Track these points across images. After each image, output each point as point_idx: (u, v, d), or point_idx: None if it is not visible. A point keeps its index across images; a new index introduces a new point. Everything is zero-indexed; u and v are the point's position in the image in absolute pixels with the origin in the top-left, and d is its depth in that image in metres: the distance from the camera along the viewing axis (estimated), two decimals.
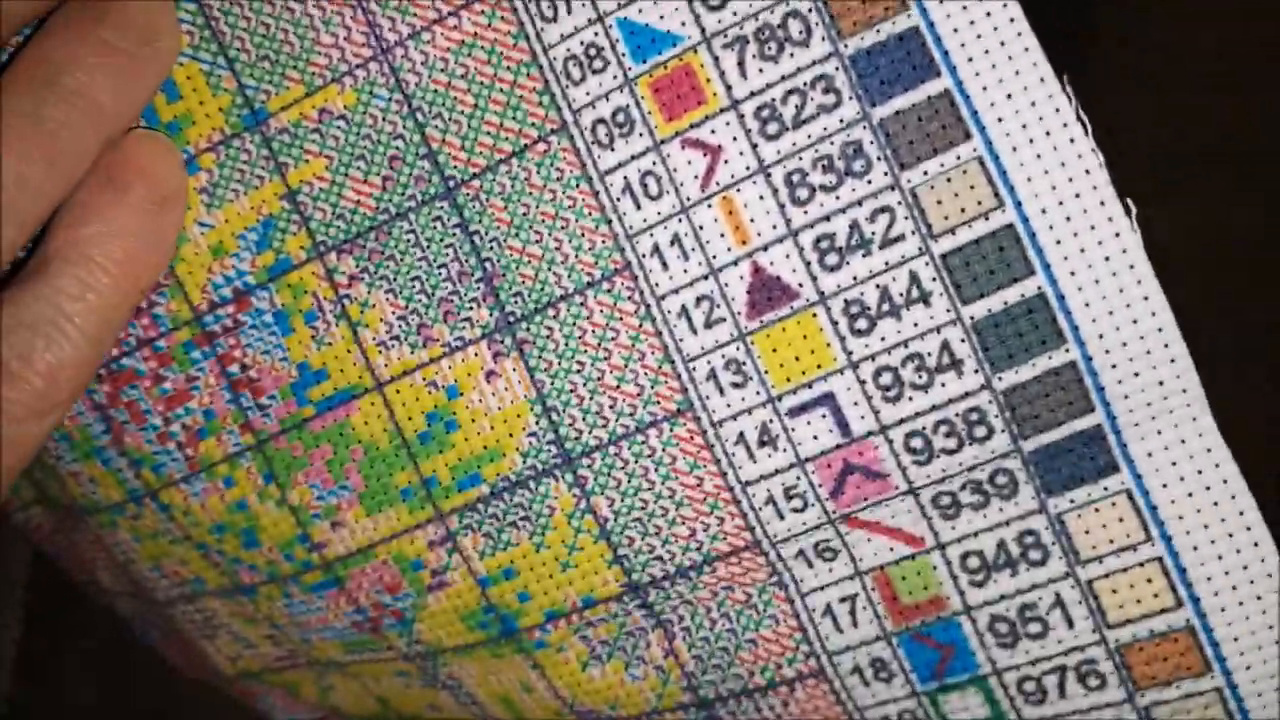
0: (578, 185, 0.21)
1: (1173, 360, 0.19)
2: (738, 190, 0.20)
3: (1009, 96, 0.18)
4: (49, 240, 0.20)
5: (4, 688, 0.39)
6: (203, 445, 0.23)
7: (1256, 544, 0.19)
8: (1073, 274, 0.19)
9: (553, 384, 0.21)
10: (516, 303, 0.21)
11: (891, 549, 0.21)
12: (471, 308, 0.21)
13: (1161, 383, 0.19)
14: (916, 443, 0.20)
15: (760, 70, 0.19)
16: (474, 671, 0.24)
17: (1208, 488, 0.19)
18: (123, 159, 0.21)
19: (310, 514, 0.23)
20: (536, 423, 0.22)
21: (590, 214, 0.21)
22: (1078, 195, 0.18)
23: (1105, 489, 0.19)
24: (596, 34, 0.20)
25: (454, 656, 0.24)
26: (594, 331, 0.21)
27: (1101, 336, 0.19)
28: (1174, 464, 0.19)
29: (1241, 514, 0.19)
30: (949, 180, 0.19)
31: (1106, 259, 0.19)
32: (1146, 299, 0.19)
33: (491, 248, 0.21)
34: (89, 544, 0.27)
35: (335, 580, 0.24)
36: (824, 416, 0.20)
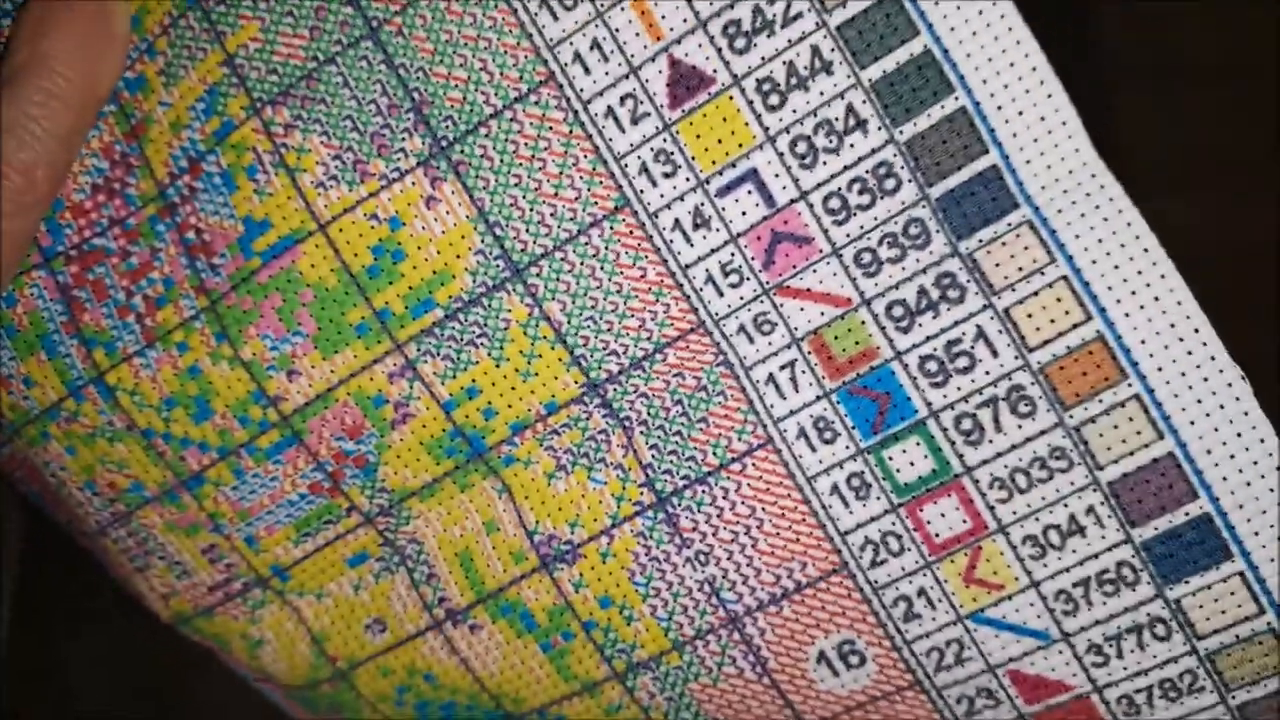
0: (496, 5, 0.22)
1: (1049, 96, 0.20)
2: None
3: None
4: (13, 55, 0.22)
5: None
6: (160, 314, 0.23)
7: (1146, 250, 0.20)
8: (953, 30, 0.20)
9: (492, 200, 0.22)
10: (448, 127, 0.22)
11: (822, 313, 0.22)
12: (404, 138, 0.22)
13: (1044, 118, 0.20)
14: (834, 203, 0.21)
15: None
16: (436, 523, 0.24)
17: (1097, 207, 0.20)
18: None
19: (264, 367, 0.23)
20: (481, 240, 0.22)
21: (510, 31, 0.22)
22: None
23: (1009, 224, 0.21)
24: None
25: (418, 503, 0.24)
26: (526, 144, 0.22)
27: (986, 82, 0.20)
28: (1065, 191, 0.21)
29: (1130, 225, 0.20)
30: None
31: (980, 12, 0.20)
32: (1027, 56, 0.20)
33: (418, 78, 0.22)
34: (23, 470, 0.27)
35: (294, 436, 0.24)
36: (749, 192, 0.21)
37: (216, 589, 0.26)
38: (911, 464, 0.22)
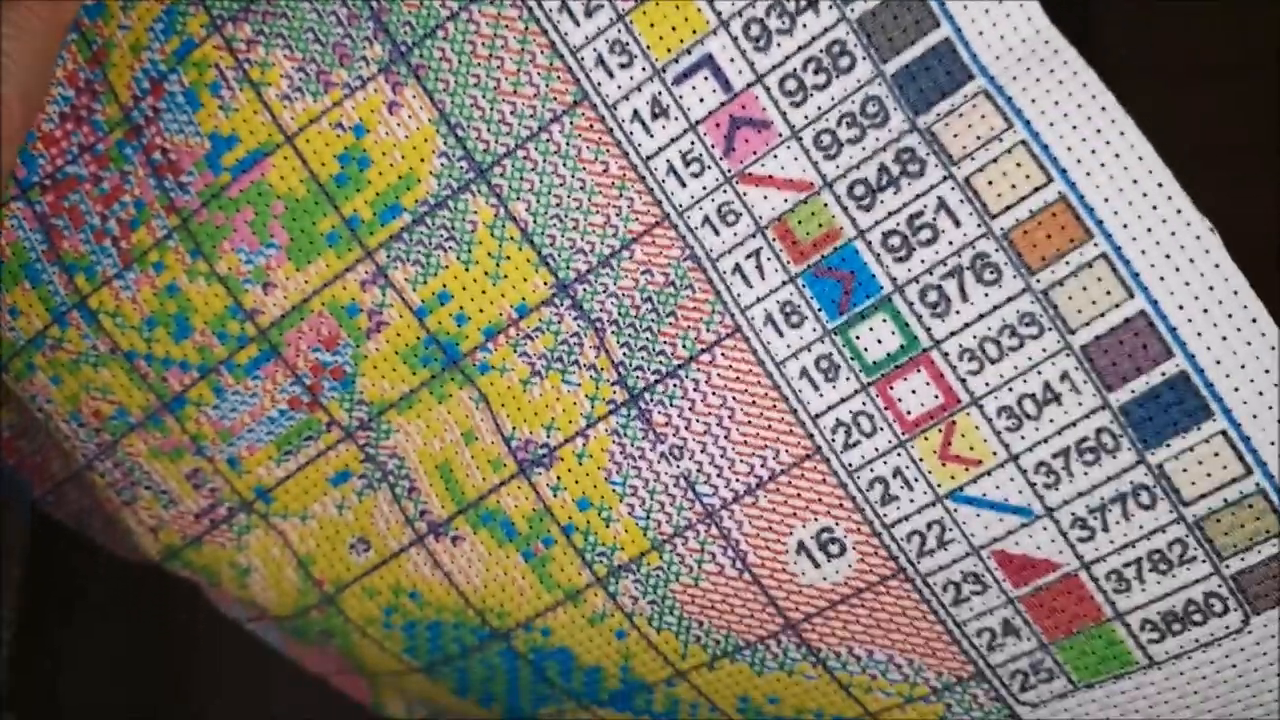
0: None
1: None
2: None
3: None
4: None
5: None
6: (135, 235, 0.24)
7: (1104, 108, 0.20)
8: None
9: (453, 102, 0.22)
10: (406, 32, 0.22)
11: (785, 199, 0.21)
12: (364, 46, 0.22)
13: (1002, 1, 0.20)
14: (790, 84, 0.21)
15: None
16: (416, 436, 0.24)
17: (1052, 71, 0.20)
18: None
19: (240, 280, 0.23)
20: (444, 142, 0.22)
21: None
22: None
23: (964, 95, 0.20)
24: None
25: (397, 415, 0.24)
26: (483, 43, 0.22)
27: None
28: (1019, 59, 0.20)
29: (1085, 85, 0.20)
30: None
31: None
32: None
33: None
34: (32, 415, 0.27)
35: (272, 350, 0.24)
36: (706, 78, 0.21)
37: (203, 516, 0.26)
38: (879, 341, 0.21)
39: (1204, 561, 0.21)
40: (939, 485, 0.22)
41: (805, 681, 0.24)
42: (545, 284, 0.23)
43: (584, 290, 0.23)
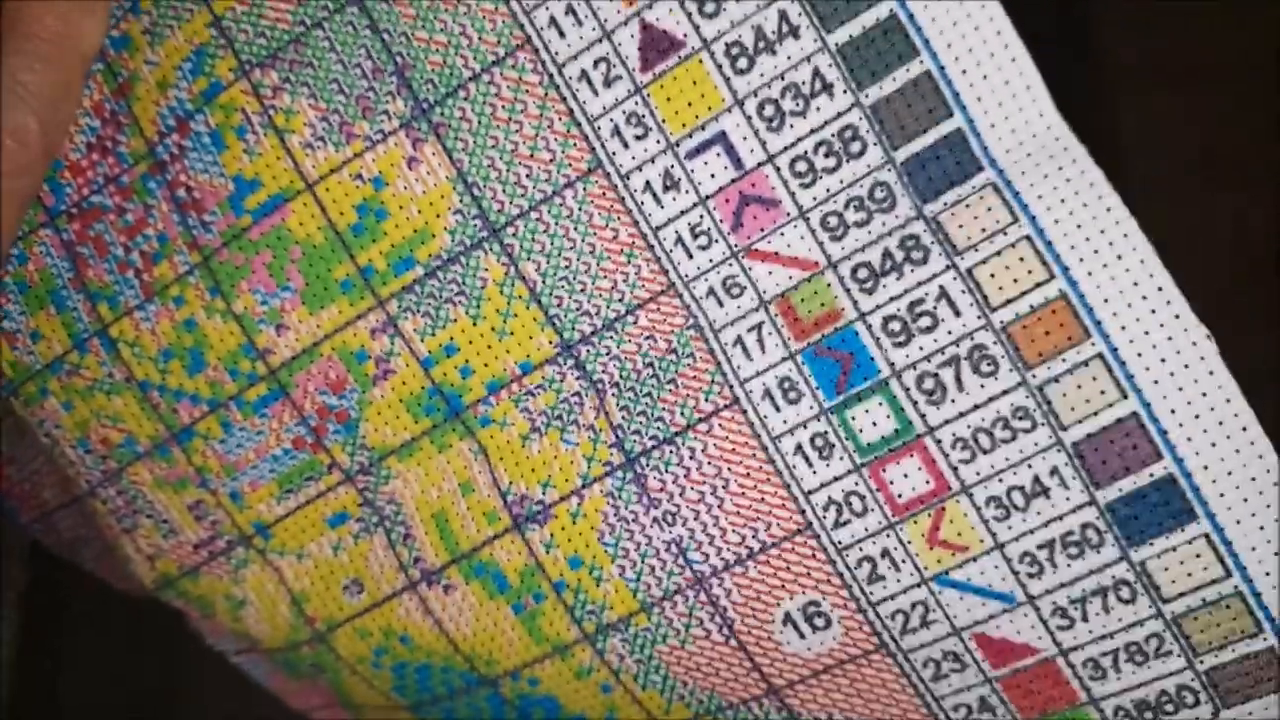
0: None
1: (1013, 60, 0.20)
2: None
3: None
4: None
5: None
6: (157, 269, 0.24)
7: (1110, 209, 0.20)
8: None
9: (471, 161, 0.23)
10: (429, 90, 0.22)
11: (790, 276, 0.22)
12: (388, 101, 0.23)
13: (1008, 81, 0.20)
14: (801, 166, 0.21)
15: None
16: (414, 484, 0.24)
17: (1060, 168, 0.20)
18: None
19: (255, 320, 0.24)
20: (460, 200, 0.23)
21: None
22: None
23: (973, 186, 0.21)
24: None
25: (397, 462, 0.24)
26: (504, 106, 0.22)
27: (950, 46, 0.20)
28: (1029, 154, 0.20)
29: (1092, 185, 0.20)
30: None
31: None
32: (991, 20, 0.20)
33: (401, 42, 0.22)
34: (25, 442, 0.27)
35: (280, 389, 0.24)
36: (718, 155, 0.22)
37: (201, 547, 0.26)
38: (874, 424, 0.22)
39: (1179, 656, 0.21)
40: (925, 568, 0.22)
41: None
42: (550, 343, 0.23)
43: (587, 352, 0.23)
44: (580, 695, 0.25)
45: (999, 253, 0.21)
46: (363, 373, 0.24)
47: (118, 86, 0.24)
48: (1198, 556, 0.20)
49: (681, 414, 0.23)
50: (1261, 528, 0.20)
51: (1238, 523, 0.20)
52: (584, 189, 0.22)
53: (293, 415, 0.24)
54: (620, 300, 0.23)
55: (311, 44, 0.23)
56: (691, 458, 0.23)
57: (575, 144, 0.22)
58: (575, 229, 0.23)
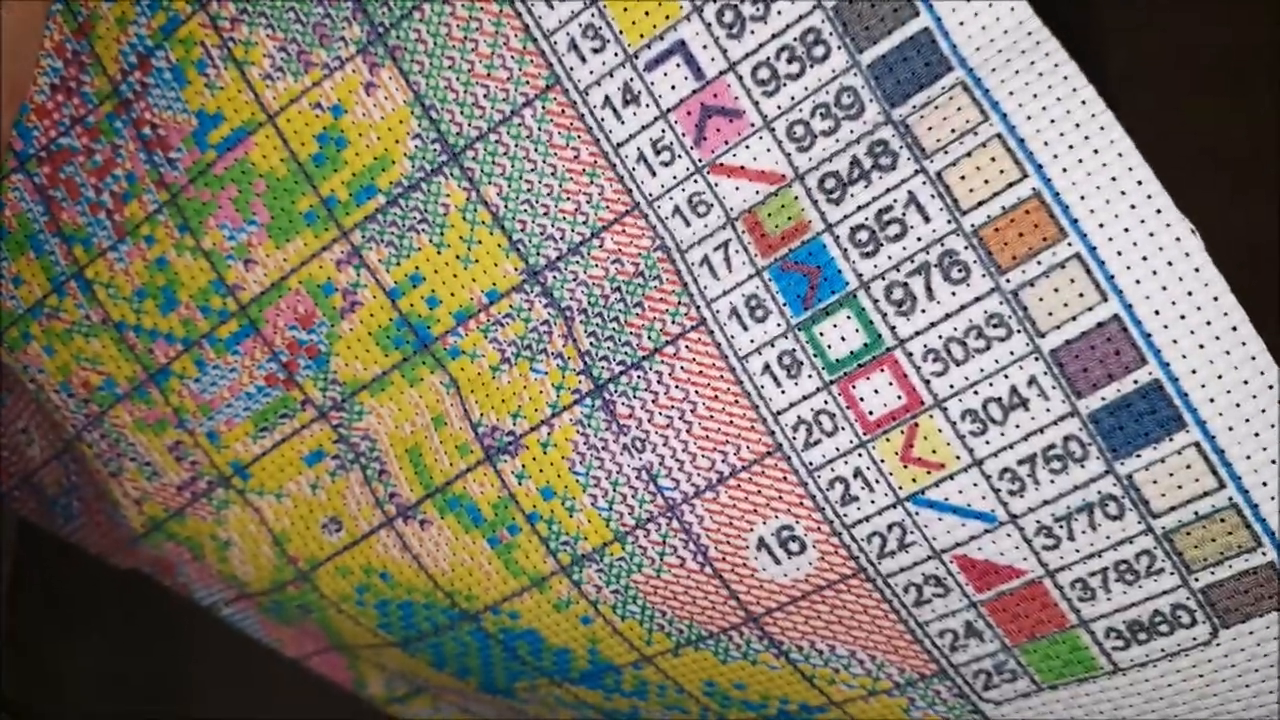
0: None
1: None
2: None
3: None
4: None
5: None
6: (128, 209, 0.23)
7: (1085, 102, 0.18)
8: None
9: (428, 84, 0.21)
10: (384, 13, 0.21)
11: (756, 191, 0.20)
12: (344, 27, 0.21)
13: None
14: (763, 73, 0.20)
15: None
16: (388, 419, 0.23)
17: (1033, 63, 0.18)
18: None
19: (224, 256, 0.23)
20: (419, 124, 0.21)
21: None
22: None
23: (942, 87, 0.19)
24: None
25: (369, 397, 0.23)
26: (459, 25, 0.21)
27: None
28: (1000, 50, 0.19)
29: (1067, 78, 0.18)
30: None
31: None
32: None
33: None
34: (18, 387, 0.26)
35: (251, 325, 0.23)
36: (678, 65, 0.20)
37: (184, 488, 0.25)
38: (842, 339, 0.20)
39: (1172, 574, 0.19)
40: (900, 488, 0.20)
41: (769, 671, 0.23)
42: (516, 270, 0.22)
43: (554, 278, 0.21)
44: (561, 628, 0.24)
45: (969, 153, 0.19)
46: (330, 306, 0.23)
47: (78, 26, 0.23)
48: (1188, 467, 0.18)
49: (649, 337, 0.21)
50: (1256, 434, 0.18)
51: (1230, 430, 0.18)
52: (542, 107, 0.21)
53: (264, 351, 0.23)
54: (584, 223, 0.21)
55: None
56: (659, 381, 0.21)
57: (532, 60, 0.21)
58: (535, 150, 0.21)
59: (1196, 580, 0.19)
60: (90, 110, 0.23)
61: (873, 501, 0.20)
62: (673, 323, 0.21)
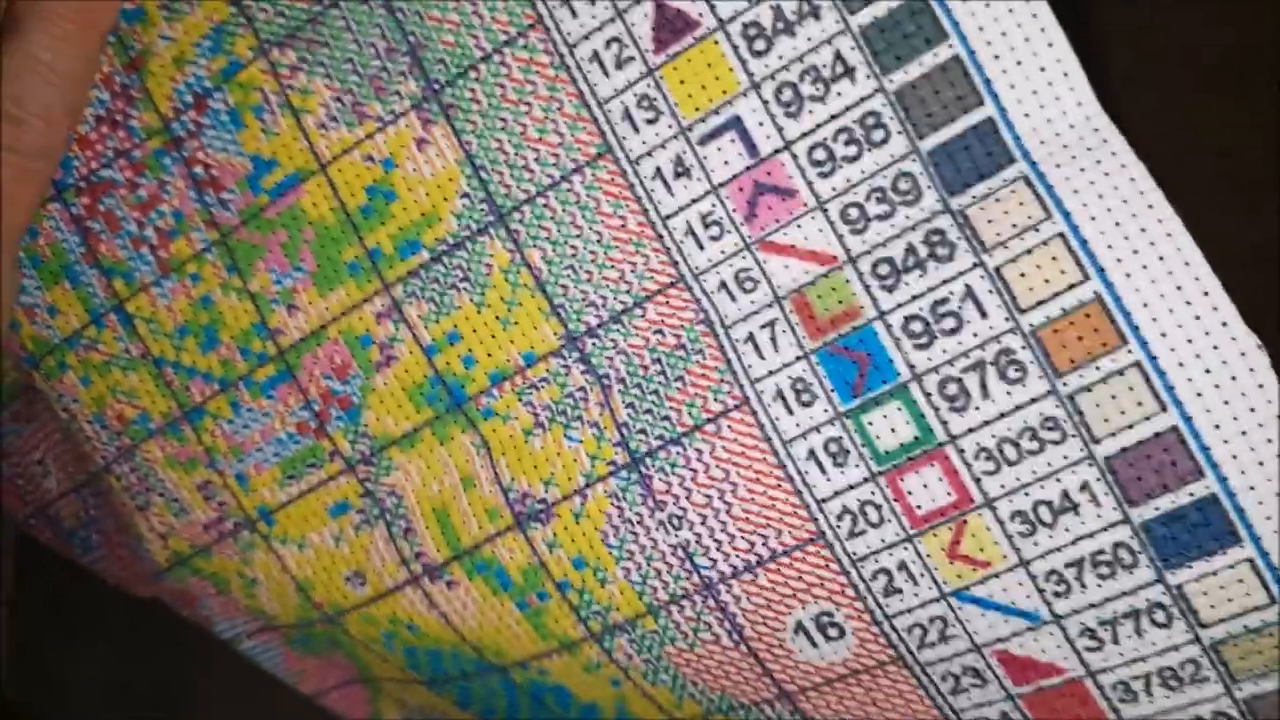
0: None
1: (1050, 45, 0.18)
2: None
3: None
4: (14, 3, 0.21)
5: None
6: (173, 245, 0.22)
7: (1151, 206, 0.17)
8: None
9: (479, 143, 0.21)
10: (440, 70, 0.20)
11: (806, 270, 0.19)
12: (400, 81, 0.21)
13: (1044, 69, 0.18)
14: (819, 154, 0.19)
15: None
16: (416, 477, 0.23)
17: (1098, 161, 0.18)
18: None
19: (269, 300, 0.22)
20: (468, 183, 0.21)
21: None
22: None
23: (1004, 180, 0.18)
24: None
25: (399, 453, 0.22)
26: (514, 87, 0.20)
27: (982, 29, 0.18)
28: (1065, 146, 0.18)
29: (1133, 180, 0.18)
30: None
31: None
32: (1028, 1, 0.18)
33: (414, 21, 0.20)
34: (38, 418, 0.26)
35: (288, 371, 0.22)
36: (733, 141, 0.19)
37: (211, 527, 0.25)
38: (892, 430, 0.19)
39: (1216, 683, 0.19)
40: (945, 583, 0.19)
41: None
42: (555, 334, 0.21)
43: (593, 345, 0.21)
44: (590, 686, 0.23)
45: (1030, 250, 0.18)
46: (366, 358, 0.22)
47: (129, 60, 0.22)
48: (1240, 581, 0.18)
49: (689, 413, 0.21)
50: None
51: None
52: (592, 174, 0.20)
53: (298, 399, 0.23)
54: (627, 292, 0.20)
55: (328, 23, 0.21)
56: (699, 459, 0.21)
57: (584, 127, 0.20)
58: (582, 216, 0.20)
59: (1240, 690, 0.18)
60: (137, 145, 0.22)
61: (916, 595, 0.20)
62: (715, 400, 0.20)
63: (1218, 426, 0.17)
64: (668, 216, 0.20)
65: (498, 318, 0.21)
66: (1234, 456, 0.17)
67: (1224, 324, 0.17)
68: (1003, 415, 0.18)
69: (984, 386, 0.19)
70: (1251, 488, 0.17)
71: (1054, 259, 0.18)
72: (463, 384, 0.22)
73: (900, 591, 0.20)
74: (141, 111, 0.22)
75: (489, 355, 0.21)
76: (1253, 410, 0.17)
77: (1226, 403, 0.17)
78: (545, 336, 0.21)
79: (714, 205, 0.20)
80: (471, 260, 0.21)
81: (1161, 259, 0.17)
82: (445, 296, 0.21)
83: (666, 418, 0.21)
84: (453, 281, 0.21)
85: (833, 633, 0.21)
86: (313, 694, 0.28)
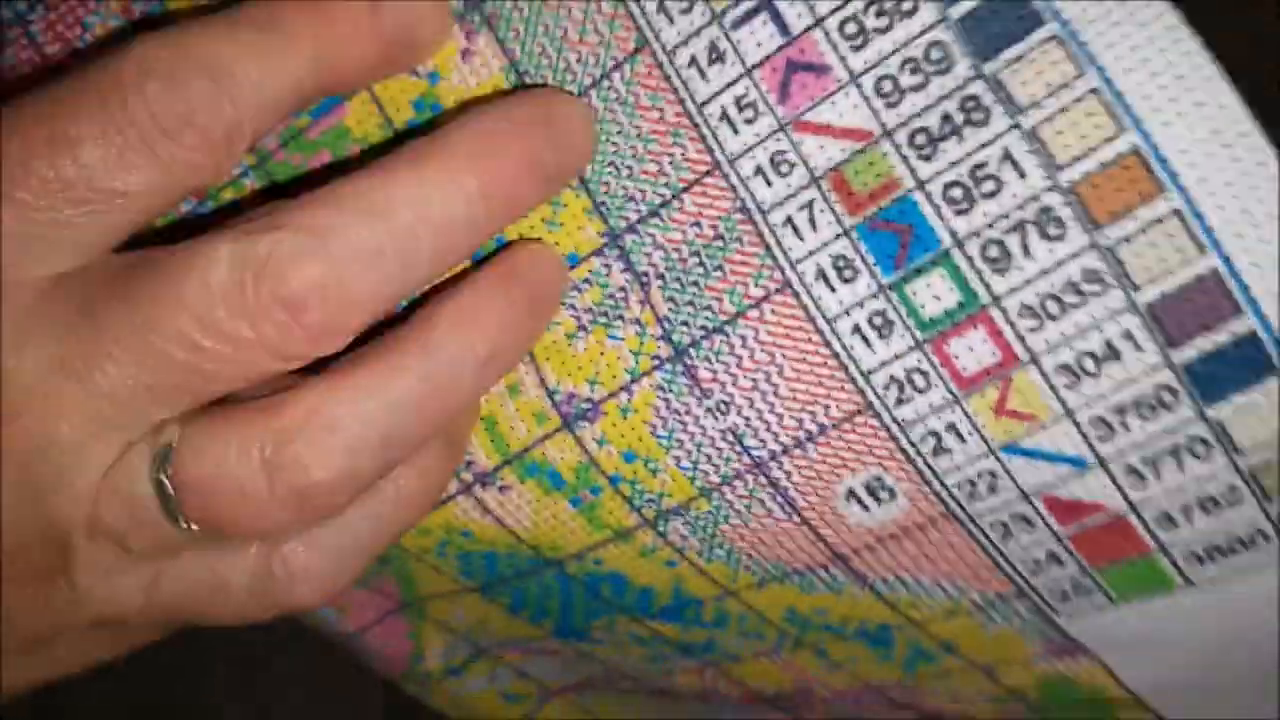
0: None
1: None
2: None
3: None
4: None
5: None
6: None
7: (1188, 54, 0.18)
8: None
9: (522, 50, 0.20)
10: None
11: (842, 149, 0.19)
12: None
13: None
14: (850, 28, 0.19)
15: None
16: None
17: (1132, 13, 0.18)
18: (509, 258, 0.21)
19: None
20: (511, 88, 0.20)
21: None
22: None
23: (1035, 40, 0.18)
24: None
25: None
26: None
27: None
28: (1097, 1, 0.18)
29: (1169, 28, 0.18)
30: None
31: None
32: None
33: None
34: None
35: None
36: (764, 22, 0.19)
37: None
38: (936, 298, 0.19)
39: (1252, 503, 0.20)
40: (993, 439, 0.20)
41: (853, 599, 0.23)
42: (597, 233, 0.21)
43: (633, 241, 0.21)
44: (646, 569, 0.24)
45: (1065, 109, 0.18)
46: None
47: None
48: (1276, 409, 0.19)
49: (731, 301, 0.21)
50: None
51: None
52: (630, 70, 0.20)
53: None
54: (665, 184, 0.20)
55: None
56: (743, 345, 0.21)
57: (622, 24, 0.20)
58: (623, 112, 0.20)
59: (1273, 506, 0.20)
60: None
61: (965, 453, 0.20)
62: (756, 286, 0.20)
63: (1256, 265, 0.18)
64: (703, 104, 0.20)
65: (544, 220, 0.21)
66: (1272, 293, 0.18)
67: (1260, 164, 0.18)
68: (1044, 272, 0.19)
69: (1025, 246, 0.19)
70: None
71: (1089, 114, 0.18)
72: None
73: (950, 451, 0.20)
74: None
75: None
76: None
77: (1264, 242, 0.18)
78: (588, 235, 0.21)
79: (748, 88, 0.19)
80: None
81: (1199, 105, 0.18)
82: None
83: (708, 307, 0.21)
84: None
85: (884, 495, 0.21)
86: (355, 631, 0.28)
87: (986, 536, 0.21)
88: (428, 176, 0.19)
